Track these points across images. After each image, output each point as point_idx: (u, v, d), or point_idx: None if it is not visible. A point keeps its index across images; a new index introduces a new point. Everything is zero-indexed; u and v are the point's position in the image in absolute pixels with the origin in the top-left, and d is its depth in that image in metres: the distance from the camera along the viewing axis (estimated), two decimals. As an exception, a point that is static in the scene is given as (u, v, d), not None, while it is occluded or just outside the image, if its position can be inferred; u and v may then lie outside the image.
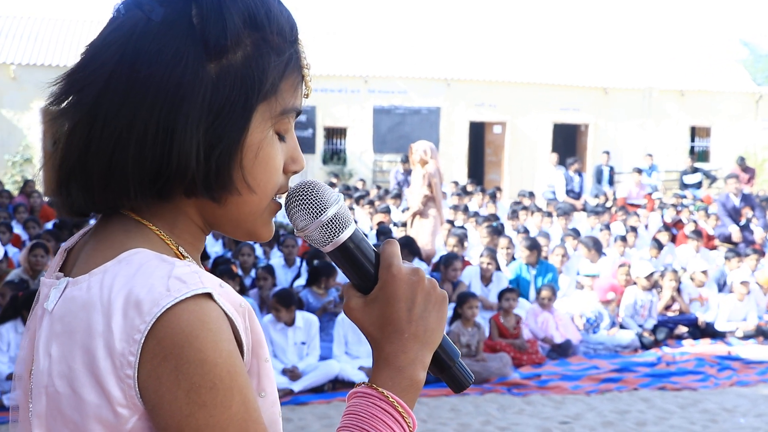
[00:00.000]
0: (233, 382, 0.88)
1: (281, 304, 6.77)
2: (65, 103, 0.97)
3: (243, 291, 7.62)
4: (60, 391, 0.90)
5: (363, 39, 26.82)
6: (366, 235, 1.14)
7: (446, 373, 1.12)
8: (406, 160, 16.29)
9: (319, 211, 1.04)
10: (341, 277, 8.26)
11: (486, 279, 8.69)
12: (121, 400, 0.87)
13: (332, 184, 17.99)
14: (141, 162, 0.93)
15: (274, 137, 1.01)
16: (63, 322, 0.91)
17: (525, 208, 13.47)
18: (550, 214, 12.74)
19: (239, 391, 0.89)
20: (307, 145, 24.47)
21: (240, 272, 8.40)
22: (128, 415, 0.88)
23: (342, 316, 7.12)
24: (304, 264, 8.84)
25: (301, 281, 8.54)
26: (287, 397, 6.39)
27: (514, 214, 12.80)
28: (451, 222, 11.63)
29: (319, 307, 7.73)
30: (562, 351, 7.73)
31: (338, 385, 6.68)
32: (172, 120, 0.92)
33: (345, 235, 1.05)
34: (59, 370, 0.90)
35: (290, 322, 6.79)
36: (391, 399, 1.02)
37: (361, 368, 6.77)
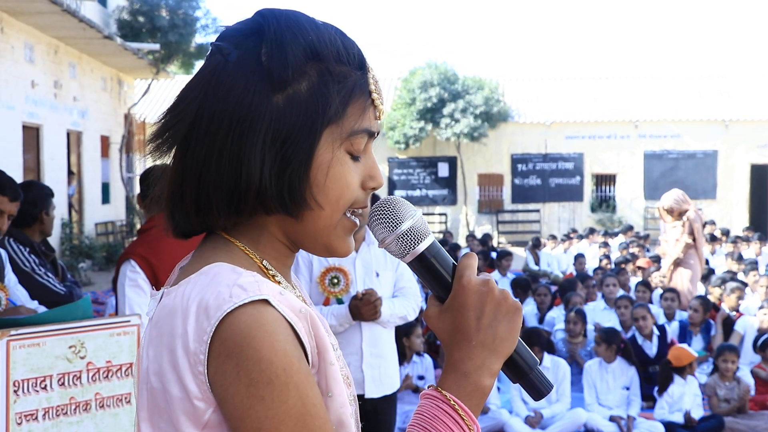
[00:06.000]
0: (289, 379, 0.96)
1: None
2: (164, 138, 1.10)
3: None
4: (155, 386, 1.02)
5: (632, 83, 26.18)
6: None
7: (524, 380, 1.16)
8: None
9: (396, 224, 1.12)
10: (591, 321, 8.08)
11: (763, 330, 8.07)
12: (197, 394, 0.98)
13: (593, 230, 17.63)
14: (220, 184, 1.06)
15: (345, 157, 1.09)
16: (157, 327, 1.03)
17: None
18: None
19: (296, 387, 0.96)
20: (575, 193, 24.19)
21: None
22: (204, 408, 0.98)
23: (588, 364, 7.03)
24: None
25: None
26: (534, 446, 6.32)
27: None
28: (711, 269, 11.04)
29: (569, 355, 7.64)
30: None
31: (590, 435, 6.52)
32: (241, 145, 1.04)
33: (422, 247, 1.13)
34: (153, 368, 1.02)
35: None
36: (452, 402, 1.08)
37: (611, 418, 6.57)
